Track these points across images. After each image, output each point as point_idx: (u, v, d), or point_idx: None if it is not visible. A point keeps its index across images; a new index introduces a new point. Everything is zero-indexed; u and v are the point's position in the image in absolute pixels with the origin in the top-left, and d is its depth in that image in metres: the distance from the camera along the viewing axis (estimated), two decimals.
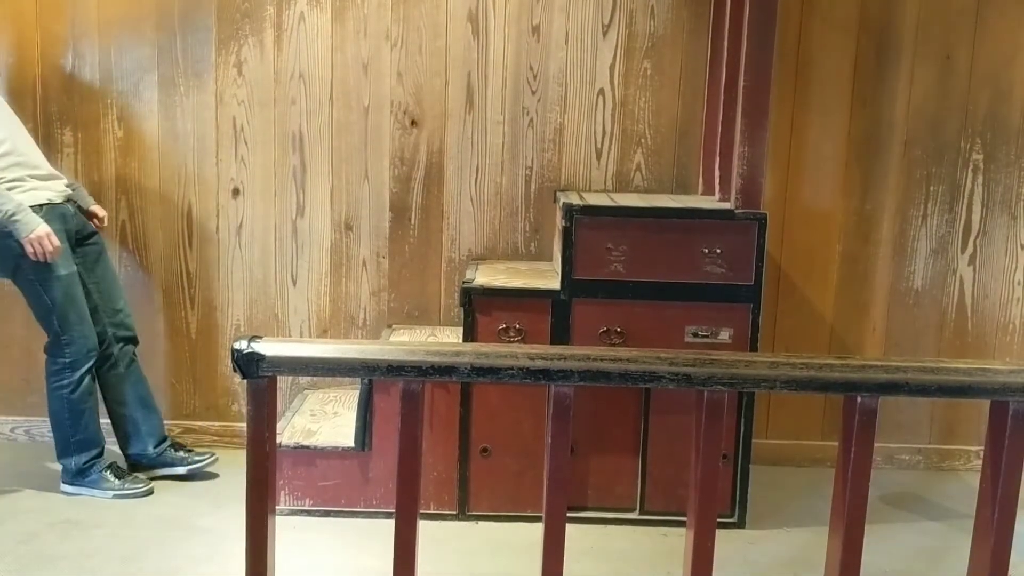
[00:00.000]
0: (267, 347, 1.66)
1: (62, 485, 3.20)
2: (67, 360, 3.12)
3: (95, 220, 3.27)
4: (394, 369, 1.66)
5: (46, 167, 3.17)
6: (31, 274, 3.04)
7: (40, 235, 2.94)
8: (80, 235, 3.19)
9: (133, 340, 3.34)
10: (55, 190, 3.14)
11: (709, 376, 1.61)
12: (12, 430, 3.64)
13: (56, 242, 2.98)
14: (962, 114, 3.49)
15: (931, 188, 3.53)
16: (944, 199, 3.54)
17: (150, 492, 3.21)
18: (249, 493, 1.69)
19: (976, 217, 3.54)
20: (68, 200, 3.17)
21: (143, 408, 3.31)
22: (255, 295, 3.56)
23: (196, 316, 3.59)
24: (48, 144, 3.47)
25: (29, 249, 2.95)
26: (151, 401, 3.35)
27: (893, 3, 3.44)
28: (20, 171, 3.05)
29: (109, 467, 3.22)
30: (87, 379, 3.15)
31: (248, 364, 1.65)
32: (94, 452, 3.19)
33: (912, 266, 3.57)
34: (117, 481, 3.20)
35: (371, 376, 1.84)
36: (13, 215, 2.93)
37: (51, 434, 3.62)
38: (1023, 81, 3.48)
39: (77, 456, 3.17)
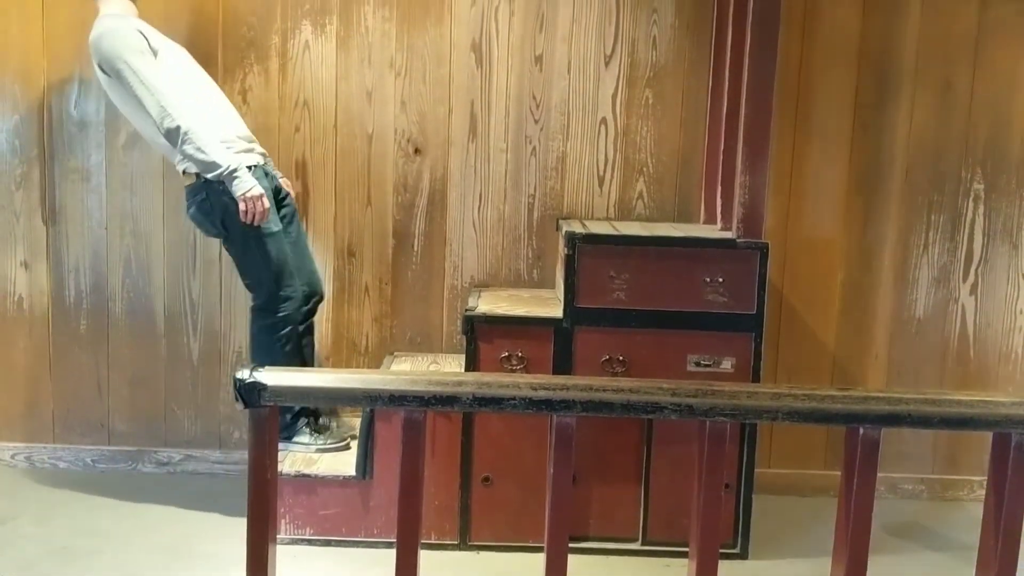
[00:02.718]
0: (269, 376, 1.66)
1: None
2: (283, 315, 3.14)
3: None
4: (396, 399, 1.66)
5: (248, 133, 3.22)
6: (243, 232, 3.06)
7: (255, 196, 2.99)
8: (277, 196, 3.22)
9: (321, 297, 3.35)
10: (259, 152, 3.21)
11: (711, 407, 1.61)
12: (13, 456, 3.63)
13: (267, 204, 3.03)
14: (962, 143, 3.51)
15: (932, 217, 3.54)
16: (945, 228, 3.55)
17: (347, 447, 3.23)
18: (250, 522, 1.69)
19: (977, 246, 3.55)
20: (267, 163, 3.24)
21: None
22: None
23: (199, 343, 3.59)
24: (53, 169, 3.50)
25: (243, 207, 2.99)
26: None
27: (893, 33, 3.47)
28: (231, 135, 3.11)
29: (308, 423, 3.24)
30: (298, 333, 3.17)
31: (250, 393, 1.65)
32: (298, 407, 3.17)
33: (914, 295, 3.57)
34: (319, 436, 3.22)
35: (373, 406, 1.85)
36: (234, 171, 2.97)
37: (52, 460, 3.62)
38: (1023, 111, 3.50)
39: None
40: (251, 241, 3.08)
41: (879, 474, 1.70)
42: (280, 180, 3.29)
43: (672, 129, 3.52)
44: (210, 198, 3.03)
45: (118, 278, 3.56)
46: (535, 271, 3.57)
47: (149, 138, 3.13)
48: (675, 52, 3.48)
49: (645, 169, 3.53)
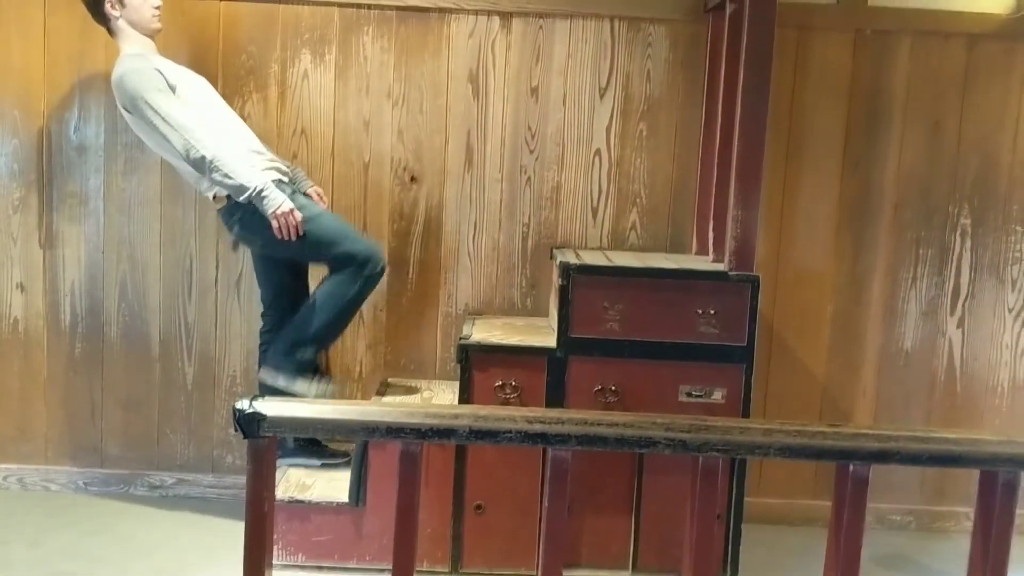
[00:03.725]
0: (268, 407, 1.69)
1: (269, 380, 3.17)
2: (367, 272, 3.13)
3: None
4: (393, 431, 1.68)
5: (271, 153, 3.27)
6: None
7: (285, 211, 3.04)
8: None
9: None
10: (284, 167, 3.27)
11: (704, 442, 1.64)
12: (5, 479, 3.63)
13: (300, 217, 3.07)
14: (951, 179, 3.56)
15: (921, 251, 3.59)
16: (933, 262, 3.60)
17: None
18: (247, 552, 1.71)
19: (965, 280, 3.60)
20: (290, 181, 3.27)
21: None
22: (252, 347, 3.57)
23: (193, 367, 3.61)
24: (51, 194, 3.52)
25: (275, 224, 3.04)
26: None
27: (883, 70, 3.53)
28: (251, 155, 3.16)
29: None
30: (368, 291, 3.18)
31: (249, 424, 1.68)
32: (319, 351, 3.24)
33: (902, 328, 3.61)
34: (315, 384, 3.23)
35: (370, 438, 1.87)
36: (261, 191, 3.02)
37: (44, 483, 3.60)
38: (1010, 148, 3.56)
39: (312, 347, 3.17)
40: (309, 227, 3.11)
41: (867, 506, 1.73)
42: (310, 189, 3.34)
43: (665, 161, 3.56)
44: (248, 211, 3.08)
45: (114, 302, 3.57)
46: (529, 299, 3.60)
47: (178, 167, 3.19)
48: (669, 86, 3.53)
49: (638, 200, 3.58)
